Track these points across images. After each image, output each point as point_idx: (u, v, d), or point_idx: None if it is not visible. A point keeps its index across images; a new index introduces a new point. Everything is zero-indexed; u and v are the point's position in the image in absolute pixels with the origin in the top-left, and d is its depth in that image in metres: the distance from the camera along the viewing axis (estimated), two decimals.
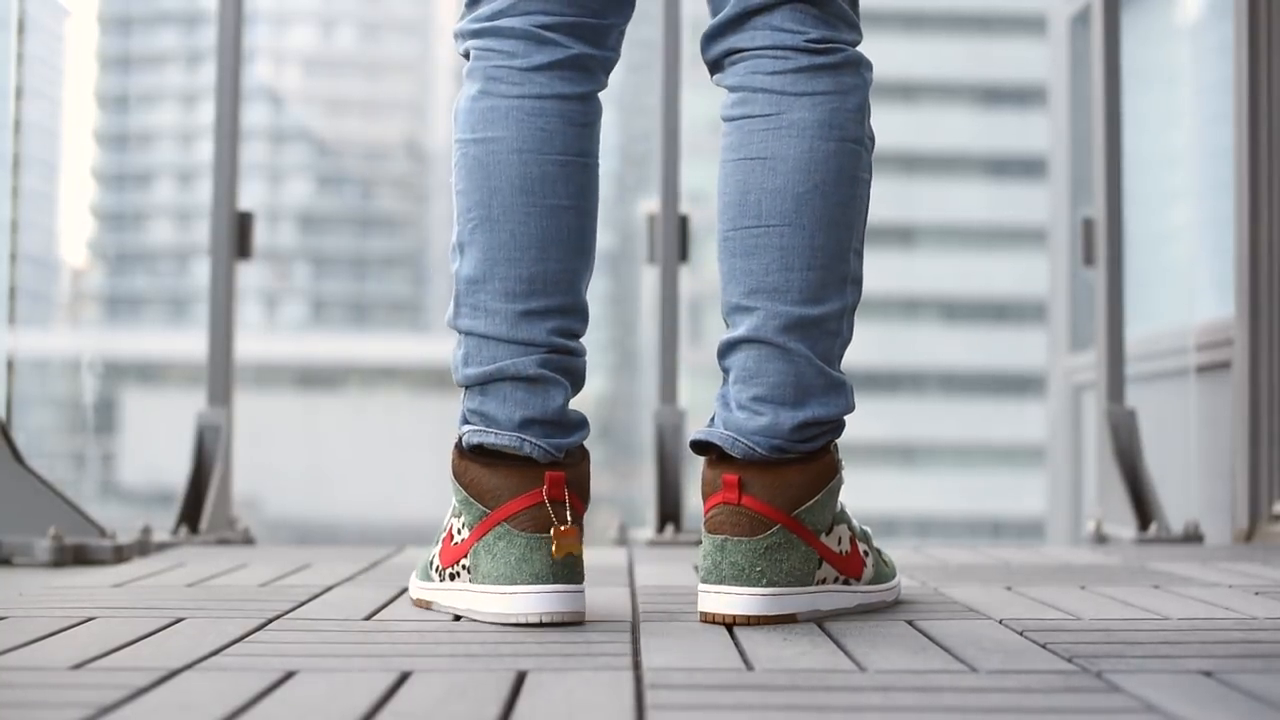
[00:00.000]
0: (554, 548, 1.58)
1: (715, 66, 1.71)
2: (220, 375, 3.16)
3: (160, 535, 2.76)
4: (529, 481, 1.60)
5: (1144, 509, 3.21)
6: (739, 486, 1.60)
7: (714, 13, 1.69)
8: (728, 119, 1.68)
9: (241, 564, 2.32)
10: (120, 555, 2.45)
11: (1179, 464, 3.71)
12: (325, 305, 58.18)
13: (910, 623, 1.62)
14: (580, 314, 1.68)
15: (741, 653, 1.41)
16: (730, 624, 1.59)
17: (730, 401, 1.66)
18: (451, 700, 1.17)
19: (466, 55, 1.71)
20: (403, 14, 59.56)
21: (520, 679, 1.26)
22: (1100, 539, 3.25)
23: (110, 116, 58.66)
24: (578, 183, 1.66)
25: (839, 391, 1.65)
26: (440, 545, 1.70)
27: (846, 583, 1.69)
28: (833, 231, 1.63)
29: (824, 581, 1.65)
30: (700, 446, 1.66)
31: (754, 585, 1.59)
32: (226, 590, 1.95)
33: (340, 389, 50.58)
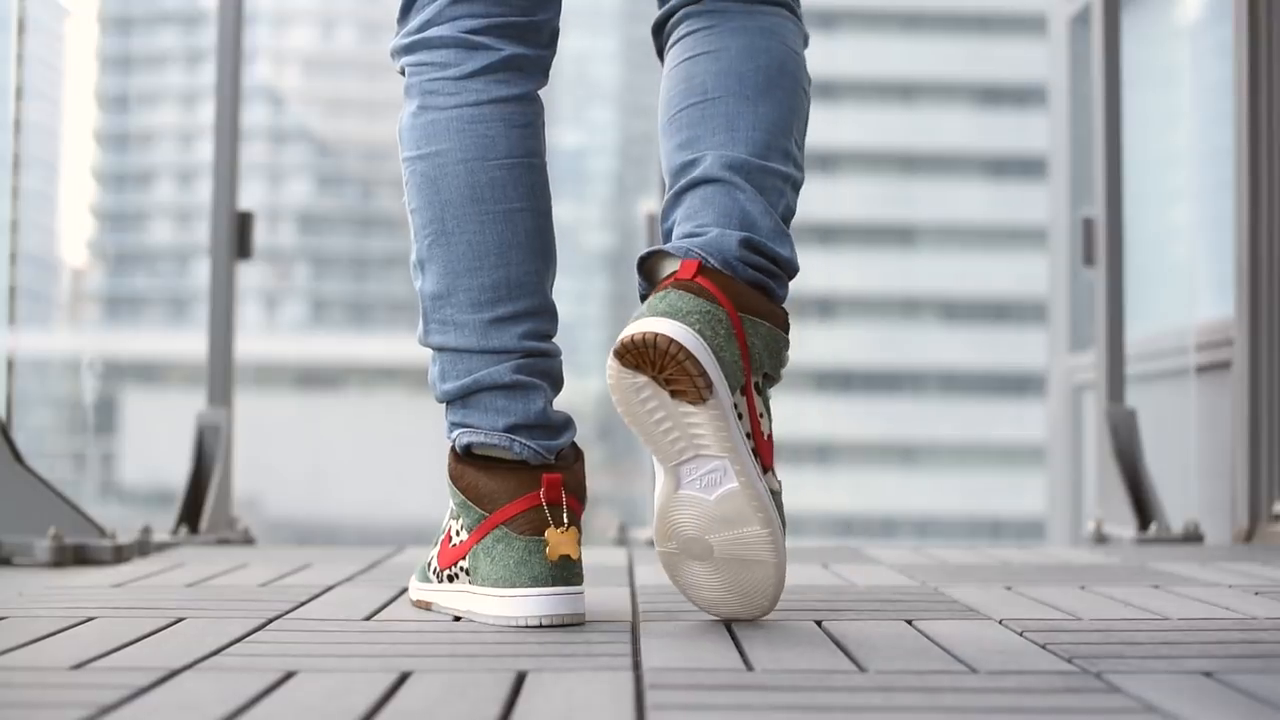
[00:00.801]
0: (549, 551, 1.58)
1: (673, 21, 1.72)
2: (220, 375, 3.16)
3: (160, 535, 2.76)
4: (526, 485, 1.60)
5: (1144, 509, 3.21)
6: (697, 269, 1.53)
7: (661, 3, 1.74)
8: (671, 44, 1.70)
9: (241, 564, 2.32)
10: (120, 555, 2.45)
11: (1179, 464, 3.71)
12: (325, 305, 58.18)
13: (910, 623, 1.62)
14: (549, 315, 1.66)
15: (741, 653, 1.41)
16: (648, 341, 1.47)
17: (673, 237, 1.61)
18: (451, 700, 1.17)
19: (403, 73, 1.70)
20: None
21: (520, 679, 1.26)
22: (1100, 539, 3.25)
23: (110, 116, 58.66)
24: (527, 184, 1.64)
25: (785, 239, 1.60)
26: (439, 547, 1.71)
27: (763, 469, 1.57)
28: (776, 105, 1.62)
29: (740, 419, 1.54)
30: (646, 260, 1.60)
31: (687, 325, 1.49)
32: (226, 590, 1.95)
33: (340, 389, 50.59)
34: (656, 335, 1.46)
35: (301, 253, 57.60)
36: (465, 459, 1.64)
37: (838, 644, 1.47)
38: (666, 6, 1.73)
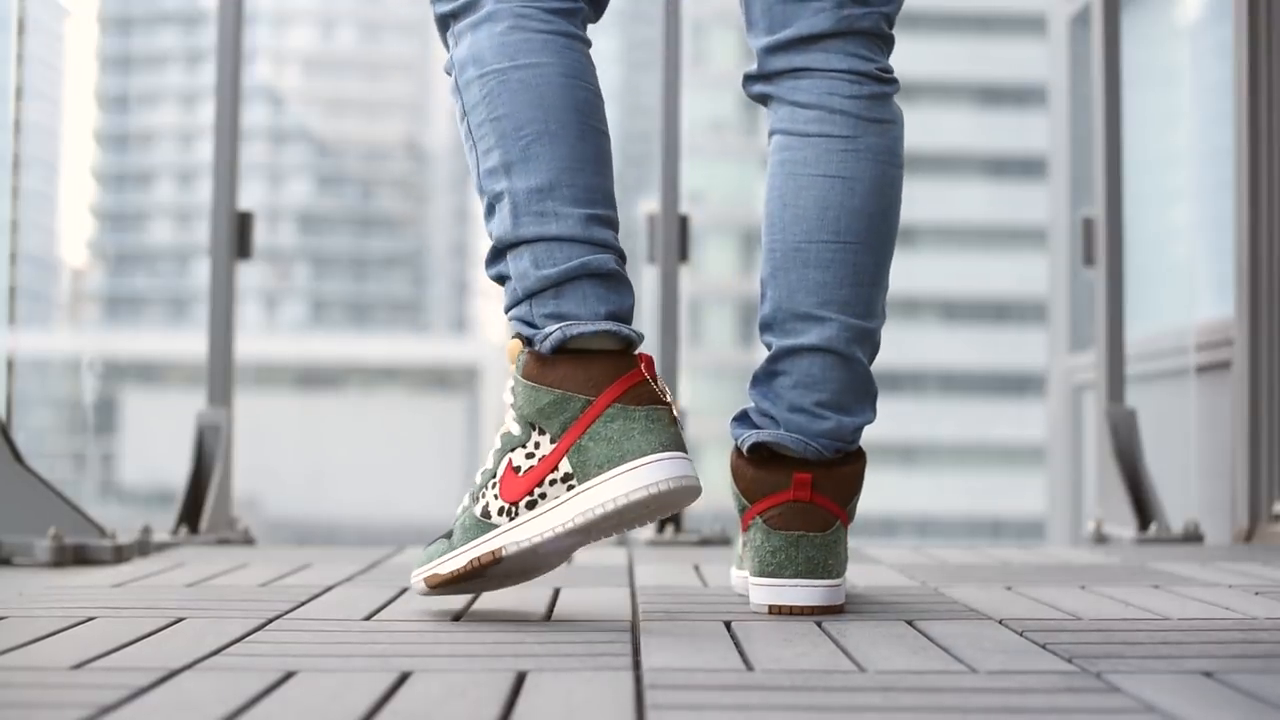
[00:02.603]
0: (667, 418, 1.60)
1: (771, 78, 1.80)
2: (220, 375, 3.16)
3: (160, 535, 2.76)
4: (625, 365, 1.61)
5: (1144, 509, 3.21)
6: (811, 485, 1.71)
7: (772, 28, 1.78)
8: (804, 134, 1.76)
9: (241, 564, 2.32)
10: (120, 555, 2.45)
11: (1179, 464, 3.71)
12: (325, 305, 58.18)
13: (910, 623, 1.62)
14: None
15: (741, 653, 1.41)
16: (808, 614, 1.68)
17: (785, 402, 1.74)
18: (451, 700, 1.17)
19: (445, 17, 1.73)
20: (403, 14, 59.51)
21: (520, 679, 1.26)
22: (1100, 539, 3.25)
23: (110, 116, 58.66)
24: (605, 115, 1.71)
25: (875, 397, 1.79)
26: (494, 489, 1.63)
27: None
28: (887, 252, 1.78)
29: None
30: (762, 448, 1.73)
31: (827, 577, 1.71)
32: (226, 590, 1.95)
33: (340, 389, 50.60)
34: (814, 608, 1.71)
35: (301, 253, 57.60)
36: (551, 357, 1.61)
37: (838, 644, 1.47)
38: (789, 35, 1.77)
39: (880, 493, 35.80)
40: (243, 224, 3.22)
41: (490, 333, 58.95)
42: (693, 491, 1.60)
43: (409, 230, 59.21)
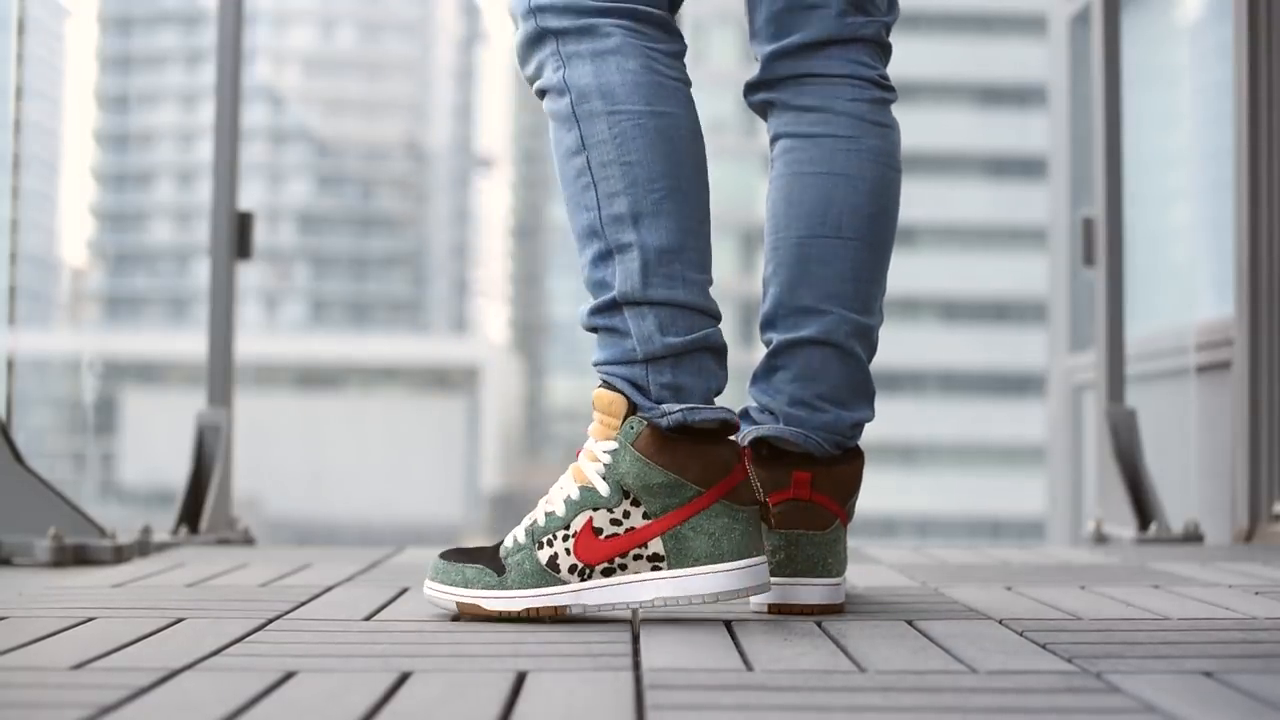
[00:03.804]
0: (760, 517, 1.63)
1: (774, 84, 1.82)
2: (220, 375, 3.16)
3: (160, 535, 2.75)
4: (733, 458, 1.62)
5: (1144, 509, 3.21)
6: (810, 484, 1.73)
7: (777, 35, 1.81)
8: (809, 135, 1.80)
9: (241, 564, 2.32)
10: (120, 555, 2.45)
11: (1179, 464, 3.71)
12: (325, 305, 58.17)
13: (910, 623, 1.62)
14: None
15: (741, 653, 1.41)
16: (809, 615, 1.69)
17: (784, 396, 1.76)
18: (451, 700, 1.17)
19: (550, 33, 1.68)
20: (403, 14, 59.52)
21: (520, 679, 1.26)
22: (1100, 539, 3.25)
23: (110, 116, 58.66)
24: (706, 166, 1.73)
25: (873, 395, 1.81)
26: (556, 545, 1.62)
27: None
28: (886, 252, 1.81)
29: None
30: (762, 444, 1.73)
31: (827, 576, 1.72)
32: (226, 590, 1.95)
33: (340, 389, 50.59)
34: (814, 606, 1.72)
35: (301, 253, 57.59)
36: (669, 435, 1.60)
37: (838, 644, 1.47)
38: (796, 41, 1.80)
39: (880, 493, 35.79)
40: (243, 224, 3.22)
41: (490, 332, 58.96)
42: (764, 591, 1.64)
43: (409, 230, 59.20)
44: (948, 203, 42.91)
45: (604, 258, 1.65)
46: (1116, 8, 3.53)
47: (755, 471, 1.72)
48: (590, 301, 1.67)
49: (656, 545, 1.60)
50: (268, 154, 56.58)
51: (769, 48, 1.81)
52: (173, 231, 56.50)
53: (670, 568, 1.60)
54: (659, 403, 1.62)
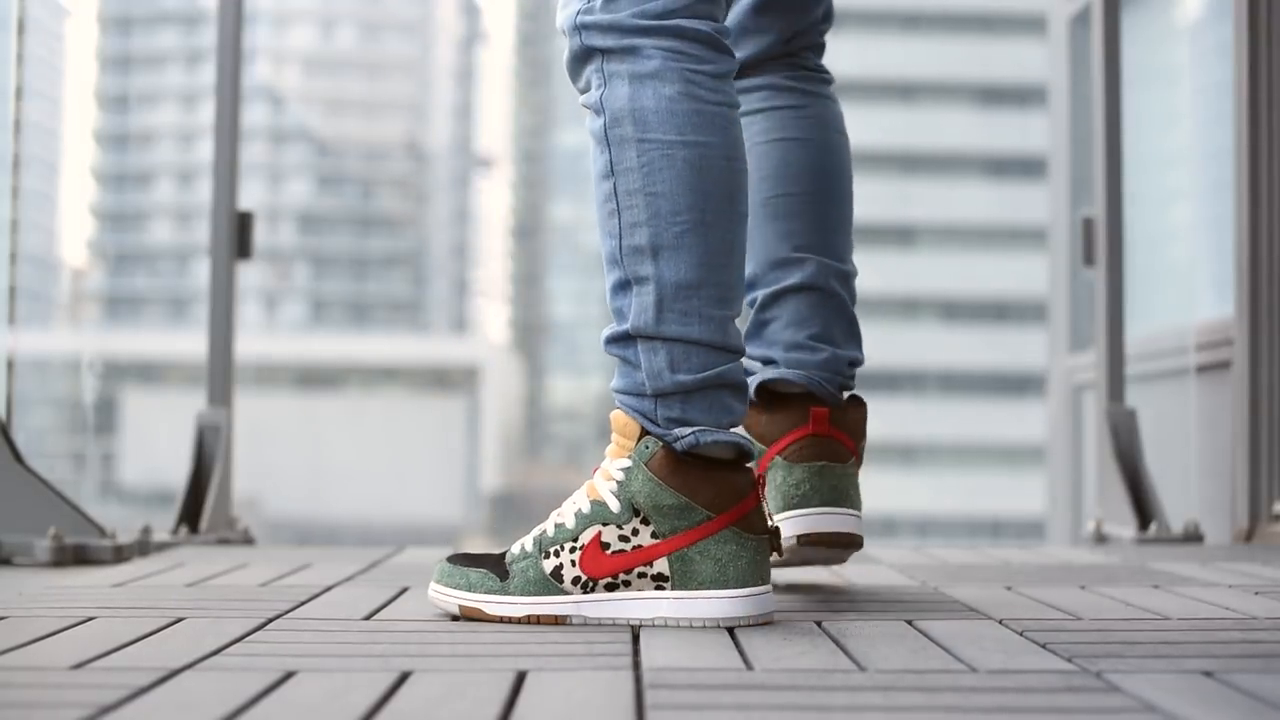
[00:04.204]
0: (769, 547, 1.62)
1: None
2: (220, 375, 3.16)
3: (160, 535, 2.75)
4: (747, 485, 1.61)
5: (1144, 509, 3.21)
6: (829, 419, 1.81)
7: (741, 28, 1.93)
8: (759, 110, 1.91)
9: (241, 564, 2.32)
10: (120, 555, 2.45)
11: (1179, 464, 3.71)
12: (325, 305, 58.17)
13: (910, 623, 1.62)
14: None
15: (741, 653, 1.41)
16: (836, 543, 1.76)
17: (779, 343, 1.84)
18: (451, 700, 1.17)
19: (595, 51, 1.66)
20: (403, 14, 59.52)
21: (520, 679, 1.26)
22: (1100, 539, 3.25)
23: (110, 116, 58.66)
24: (747, 191, 1.70)
25: (860, 338, 1.90)
26: (562, 556, 1.63)
27: None
28: (847, 207, 1.90)
29: None
30: (765, 391, 1.82)
31: (850, 506, 1.79)
32: (226, 590, 1.95)
33: (340, 389, 50.60)
34: (841, 535, 1.79)
35: (301, 253, 57.59)
36: (682, 458, 1.60)
37: (838, 644, 1.47)
38: (749, 56, 1.93)
39: (880, 493, 35.78)
40: (243, 224, 3.22)
41: (490, 332, 58.95)
42: (768, 621, 1.62)
43: (409, 230, 59.21)
44: (948, 203, 42.91)
45: (623, 287, 1.64)
46: (1116, 8, 3.53)
47: (769, 417, 1.78)
48: (611, 327, 1.66)
49: (662, 565, 1.60)
50: (268, 154, 56.58)
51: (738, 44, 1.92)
52: (173, 231, 56.50)
53: (674, 589, 1.60)
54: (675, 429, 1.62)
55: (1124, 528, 3.20)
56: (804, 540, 1.73)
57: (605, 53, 1.65)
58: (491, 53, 61.94)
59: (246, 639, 1.49)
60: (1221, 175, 3.58)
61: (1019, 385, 41.34)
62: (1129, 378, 3.47)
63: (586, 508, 1.63)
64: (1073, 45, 5.06)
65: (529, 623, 1.62)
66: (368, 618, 1.67)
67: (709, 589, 1.58)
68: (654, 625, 1.60)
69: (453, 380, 50.57)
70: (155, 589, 1.98)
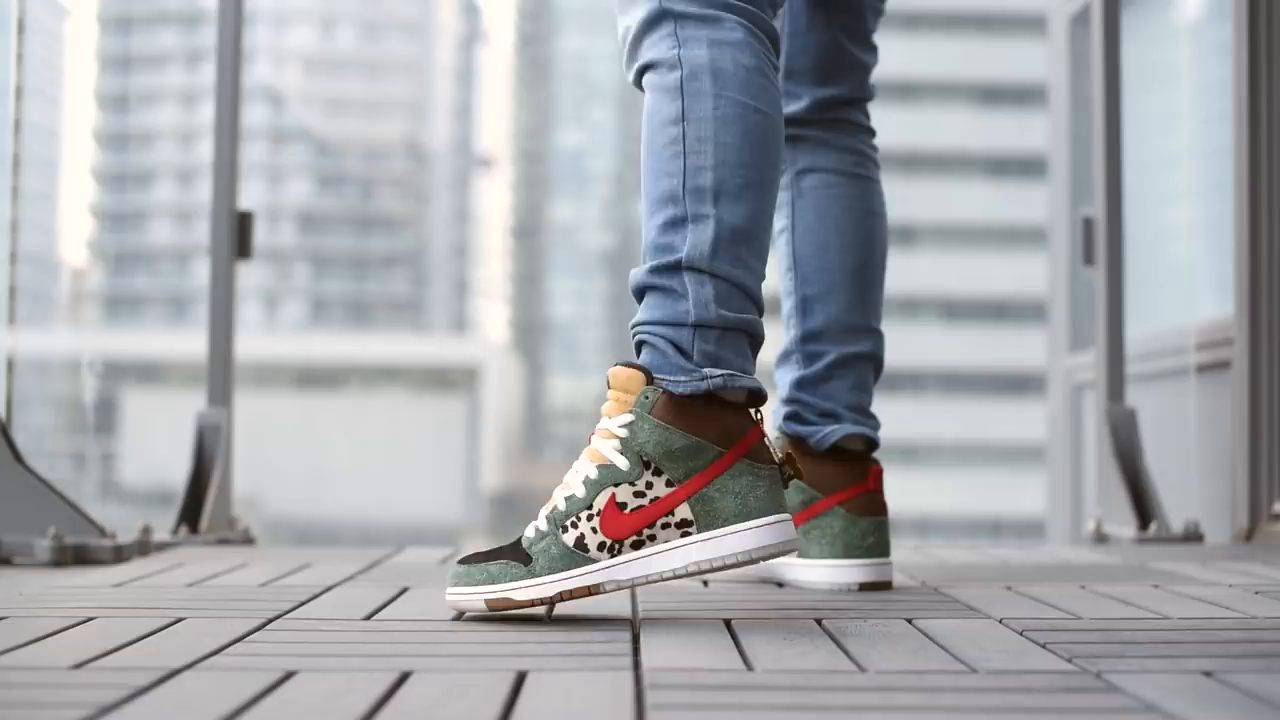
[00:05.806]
0: (782, 478, 1.66)
1: (817, 124, 2.10)
2: (220, 375, 3.16)
3: (160, 535, 2.76)
4: (749, 420, 1.65)
5: (1144, 509, 3.21)
6: (879, 478, 2.03)
7: (824, 82, 2.10)
8: (853, 175, 2.09)
9: (241, 564, 2.32)
10: (120, 555, 2.45)
11: (1179, 464, 3.71)
12: (325, 305, 58.19)
13: (910, 622, 1.62)
14: None
15: (741, 653, 1.41)
16: (885, 589, 1.96)
17: (843, 402, 2.04)
18: (451, 700, 1.17)
19: (671, 15, 1.72)
20: (403, 14, 59.54)
21: (520, 679, 1.26)
22: (1100, 539, 3.25)
23: (110, 116, 58.68)
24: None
25: None
26: (581, 526, 1.61)
27: None
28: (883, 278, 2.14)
29: None
30: (840, 444, 2.01)
31: (888, 556, 2.01)
32: (226, 590, 1.95)
33: (340, 389, 50.61)
34: (888, 583, 2.00)
35: (301, 253, 57.61)
36: (684, 401, 1.62)
37: (838, 644, 1.47)
38: (811, 114, 2.10)
39: None
40: (243, 224, 3.22)
41: (490, 332, 58.96)
42: (794, 551, 1.66)
43: (409, 230, 59.22)
44: (948, 203, 42.93)
45: (677, 224, 1.68)
46: (1116, 8, 3.53)
47: (835, 469, 1.98)
48: (648, 263, 1.70)
49: (684, 511, 1.61)
50: (268, 154, 56.60)
51: (818, 93, 2.09)
52: (173, 231, 56.52)
53: (700, 531, 1.60)
54: (699, 367, 1.64)
55: (1124, 527, 3.20)
56: (865, 587, 1.94)
57: (681, 17, 1.73)
58: (491, 53, 61.96)
59: (246, 639, 1.49)
60: (1221, 175, 3.58)
61: (1019, 385, 41.35)
62: (1129, 377, 3.47)
63: (594, 473, 1.63)
64: (1073, 45, 5.06)
65: (562, 599, 1.61)
66: (368, 618, 1.67)
67: (735, 522, 1.60)
68: (688, 573, 1.61)
69: (452, 380, 50.58)
70: (155, 589, 1.98)
